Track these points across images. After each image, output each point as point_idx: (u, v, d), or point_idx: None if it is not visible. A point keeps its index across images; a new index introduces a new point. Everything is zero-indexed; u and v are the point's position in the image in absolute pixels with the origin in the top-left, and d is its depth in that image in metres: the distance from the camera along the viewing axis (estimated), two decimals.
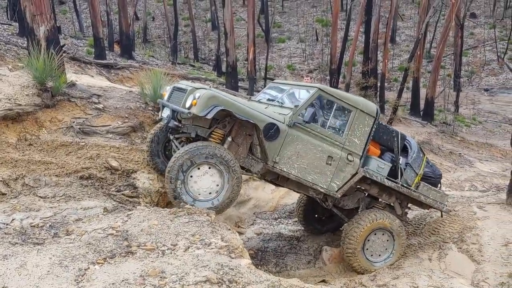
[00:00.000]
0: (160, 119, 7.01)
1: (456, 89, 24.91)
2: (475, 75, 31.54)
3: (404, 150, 7.69)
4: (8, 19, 25.09)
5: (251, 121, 6.05)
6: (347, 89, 20.16)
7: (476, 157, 16.68)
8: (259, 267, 7.06)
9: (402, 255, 7.42)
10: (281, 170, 6.55)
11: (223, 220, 7.54)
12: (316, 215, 8.73)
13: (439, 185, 7.80)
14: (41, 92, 8.02)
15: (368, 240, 7.12)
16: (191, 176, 5.94)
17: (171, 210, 5.60)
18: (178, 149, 6.23)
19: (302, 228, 8.95)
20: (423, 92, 22.81)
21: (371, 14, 20.99)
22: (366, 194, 7.52)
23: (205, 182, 6.02)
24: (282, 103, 6.92)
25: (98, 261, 4.17)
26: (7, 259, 4.10)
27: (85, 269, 4.02)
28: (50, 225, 5.15)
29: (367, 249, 7.14)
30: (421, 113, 22.04)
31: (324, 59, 30.78)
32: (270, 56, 28.69)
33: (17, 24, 18.98)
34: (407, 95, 22.97)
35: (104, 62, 17.19)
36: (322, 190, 6.81)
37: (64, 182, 6.46)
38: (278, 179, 6.99)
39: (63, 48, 10.25)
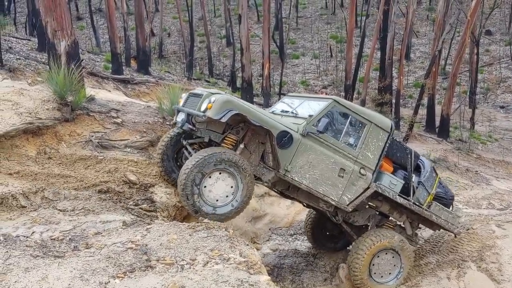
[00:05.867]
0: (174, 123, 7.01)
1: (471, 106, 24.76)
2: (491, 92, 31.31)
3: (417, 169, 7.61)
4: (27, 35, 25.53)
5: (265, 127, 6.04)
6: (362, 105, 20.15)
7: (493, 174, 16.48)
8: (276, 283, 7.01)
9: (420, 272, 7.33)
10: (292, 179, 6.50)
11: (239, 236, 7.53)
12: (328, 233, 8.62)
13: (451, 207, 7.69)
14: (61, 106, 8.13)
15: (373, 264, 7.03)
16: (205, 186, 5.96)
17: (189, 224, 5.60)
18: (191, 155, 6.23)
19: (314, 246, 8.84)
20: (438, 108, 22.66)
21: (387, 30, 21.03)
22: (378, 212, 7.45)
23: (219, 188, 6.04)
24: (296, 114, 6.93)
25: (118, 275, 4.18)
26: (29, 271, 4.12)
27: (105, 283, 4.02)
28: (70, 238, 5.17)
29: (374, 273, 7.06)
30: (437, 130, 21.87)
31: (338, 75, 30.80)
32: (284, 72, 28.76)
33: (36, 39, 19.30)
34: (422, 112, 22.85)
35: (121, 77, 17.37)
36: (333, 203, 6.74)
37: (83, 196, 6.49)
38: (288, 189, 6.94)
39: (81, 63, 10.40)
